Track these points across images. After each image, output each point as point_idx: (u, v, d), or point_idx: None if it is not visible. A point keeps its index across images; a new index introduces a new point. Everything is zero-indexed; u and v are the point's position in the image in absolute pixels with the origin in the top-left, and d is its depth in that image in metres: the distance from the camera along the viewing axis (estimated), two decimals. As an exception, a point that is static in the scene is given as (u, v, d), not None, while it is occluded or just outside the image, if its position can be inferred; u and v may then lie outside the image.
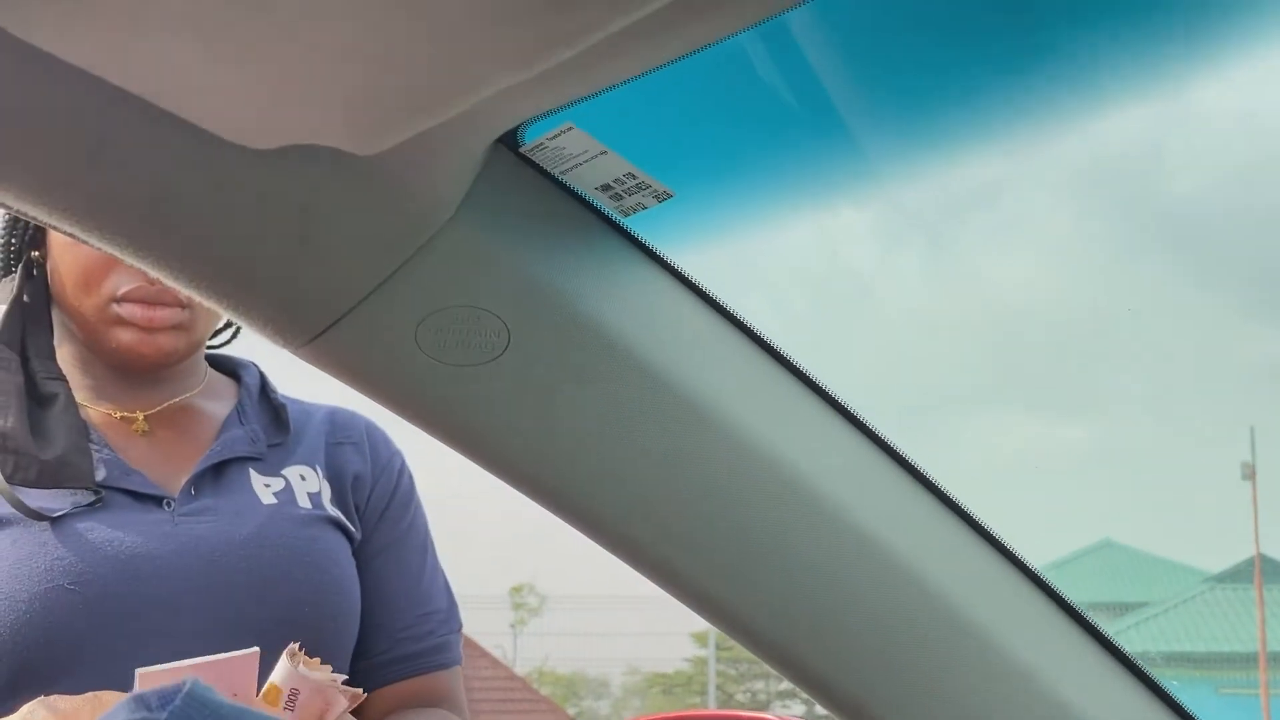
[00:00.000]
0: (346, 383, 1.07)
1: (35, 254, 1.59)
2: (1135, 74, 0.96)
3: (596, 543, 1.13)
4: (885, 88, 1.04)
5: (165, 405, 1.62)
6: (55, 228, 0.97)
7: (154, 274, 1.01)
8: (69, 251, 1.54)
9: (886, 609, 1.11)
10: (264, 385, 1.72)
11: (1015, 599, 1.18)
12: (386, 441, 1.75)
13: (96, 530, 1.44)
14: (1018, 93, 1.00)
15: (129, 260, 1.00)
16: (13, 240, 1.61)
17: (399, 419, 1.10)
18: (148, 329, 1.54)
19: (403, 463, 1.75)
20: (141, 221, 0.97)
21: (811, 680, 1.14)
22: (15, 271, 1.60)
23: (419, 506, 1.75)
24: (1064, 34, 0.96)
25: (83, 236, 0.98)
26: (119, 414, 1.59)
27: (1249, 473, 30.97)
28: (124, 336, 1.55)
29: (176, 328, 1.57)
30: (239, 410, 1.65)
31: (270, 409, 1.68)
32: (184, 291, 1.02)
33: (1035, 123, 1.01)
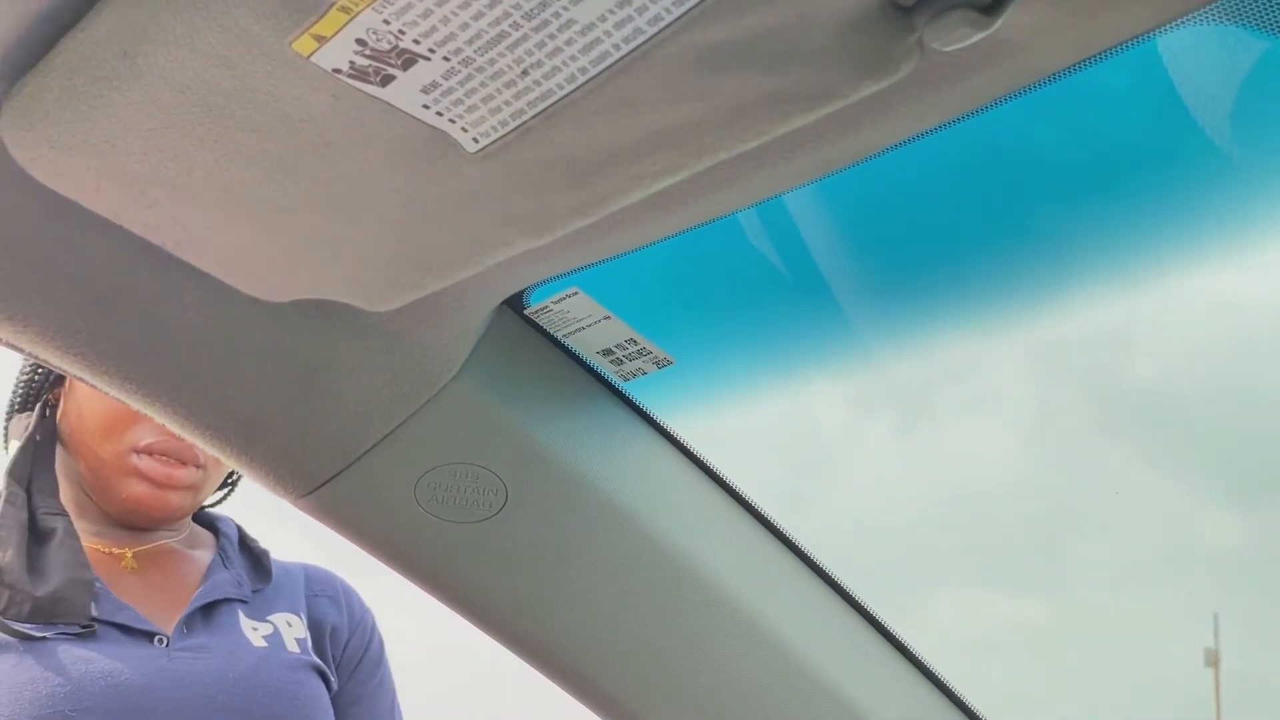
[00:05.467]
0: (344, 535, 1.08)
1: (55, 393, 1.61)
2: (1116, 260, 0.98)
3: (581, 702, 1.13)
4: (877, 264, 1.07)
5: (152, 545, 1.63)
6: (65, 371, 0.98)
7: (159, 420, 1.02)
8: (97, 394, 1.55)
9: None
10: (242, 535, 1.73)
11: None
12: (360, 599, 1.78)
13: (96, 661, 1.44)
14: (1002, 274, 1.02)
15: (135, 406, 1.01)
16: (35, 378, 1.62)
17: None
18: (165, 485, 1.56)
19: (374, 621, 1.77)
20: (152, 369, 0.98)
21: None
22: (33, 409, 1.61)
23: (388, 666, 1.76)
24: (1050, 218, 0.98)
25: (91, 381, 0.99)
26: (106, 550, 1.59)
27: (1212, 659, 30.79)
28: (137, 489, 1.57)
29: (189, 488, 1.59)
30: (222, 555, 1.66)
31: (251, 556, 1.70)
32: (191, 441, 1.03)
33: (1016, 303, 1.04)
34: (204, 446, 1.04)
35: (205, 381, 0.99)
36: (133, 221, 0.87)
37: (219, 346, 0.97)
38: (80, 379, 0.99)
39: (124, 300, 0.94)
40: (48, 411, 1.61)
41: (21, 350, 0.97)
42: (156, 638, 1.50)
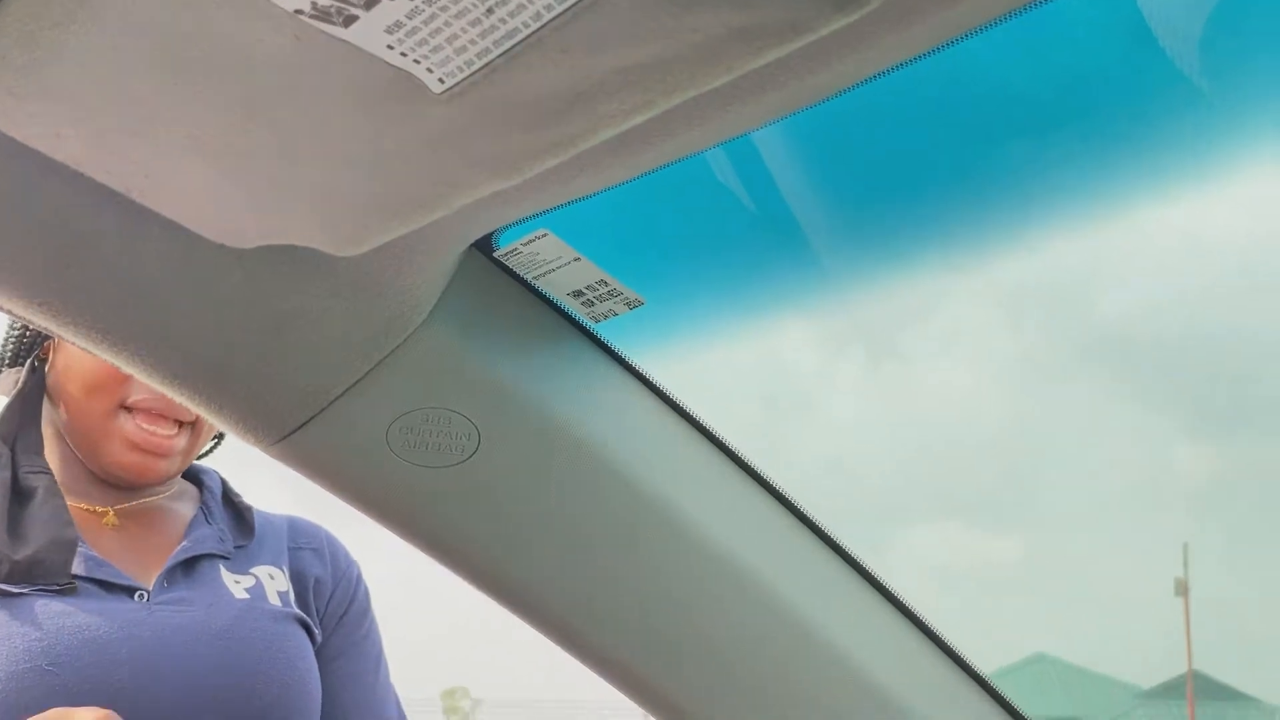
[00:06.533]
0: (316, 481, 1.08)
1: (45, 348, 1.60)
2: (1083, 196, 0.98)
3: (556, 643, 1.13)
4: (840, 202, 1.06)
5: (135, 503, 1.62)
6: (31, 322, 0.97)
7: (127, 369, 1.01)
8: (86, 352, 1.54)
9: (838, 709, 1.12)
10: (226, 489, 1.72)
11: (969, 707, 1.19)
12: (345, 551, 1.77)
13: (73, 615, 1.44)
14: (972, 210, 1.02)
15: (102, 355, 1.00)
16: (26, 333, 1.61)
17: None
18: (153, 453, 1.55)
19: (360, 573, 1.76)
20: (119, 318, 0.97)
21: None
22: (22, 365, 1.60)
23: (374, 618, 1.76)
24: (1020, 153, 0.98)
25: (58, 331, 0.98)
26: (88, 508, 1.58)
27: (1182, 589, 31.17)
28: (126, 458, 1.56)
29: (178, 454, 1.59)
30: (205, 510, 1.66)
31: (234, 511, 1.69)
32: (160, 390, 1.03)
33: (986, 239, 1.03)
34: (173, 395, 1.03)
35: (172, 329, 0.99)
36: (95, 169, 0.86)
37: (186, 294, 0.96)
38: (47, 330, 0.98)
39: (88, 249, 0.93)
40: (36, 365, 1.60)
41: None
42: (137, 593, 1.50)
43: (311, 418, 1.03)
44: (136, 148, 0.83)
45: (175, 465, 1.60)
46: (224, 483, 1.74)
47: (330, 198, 0.86)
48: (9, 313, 0.97)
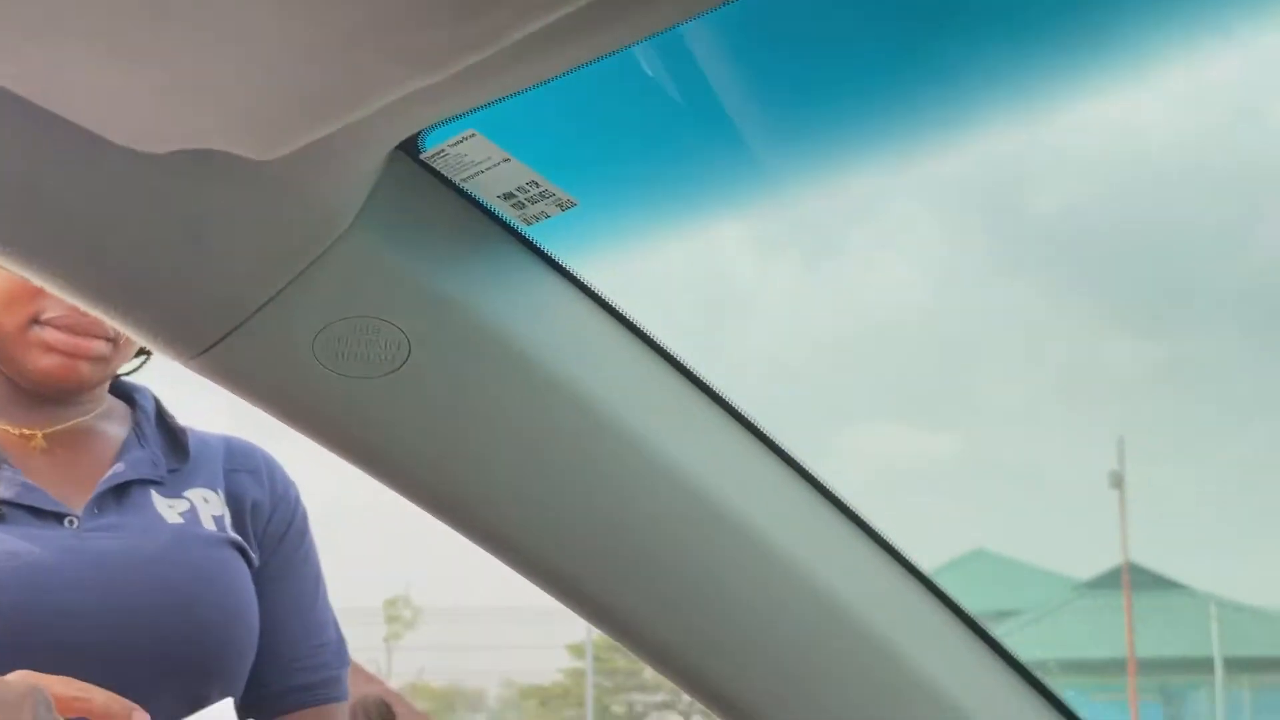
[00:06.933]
0: (241, 396, 1.05)
1: None
2: (1013, 92, 0.97)
3: (494, 555, 1.11)
4: (775, 99, 1.04)
5: (65, 425, 1.59)
6: None
7: (38, 283, 0.98)
8: None
9: (777, 612, 1.11)
10: (159, 410, 1.69)
11: (909, 603, 1.18)
12: (283, 472, 1.75)
13: (3, 542, 1.41)
14: (901, 107, 1.00)
15: (11, 269, 0.96)
16: None
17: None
18: (72, 355, 1.51)
19: (298, 495, 1.74)
20: (23, 228, 0.94)
21: (707, 689, 1.14)
22: None
23: (312, 540, 1.74)
24: (946, 50, 0.96)
25: None
26: (16, 431, 1.55)
27: (1117, 481, 31.69)
28: (45, 361, 1.52)
29: (99, 359, 1.54)
30: (138, 433, 1.63)
31: (168, 433, 1.66)
32: (73, 303, 0.99)
33: (915, 138, 1.02)
34: (86, 308, 1.00)
35: (83, 241, 0.95)
36: None
37: (96, 203, 0.92)
38: None
39: None
40: None
41: None
42: (67, 519, 1.48)
43: (233, 329, 1.00)
44: (38, 48, 0.79)
45: (100, 371, 1.56)
46: (158, 402, 1.71)
47: (244, 97, 0.82)
48: None
